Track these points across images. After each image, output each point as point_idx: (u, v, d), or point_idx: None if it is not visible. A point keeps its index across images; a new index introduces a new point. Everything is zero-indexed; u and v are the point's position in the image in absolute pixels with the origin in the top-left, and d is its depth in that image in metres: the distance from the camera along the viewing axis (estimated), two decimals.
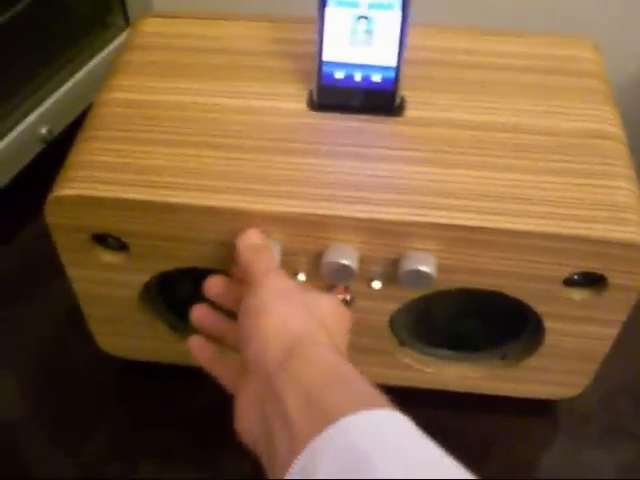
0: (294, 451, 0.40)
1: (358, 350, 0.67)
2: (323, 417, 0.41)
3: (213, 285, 0.57)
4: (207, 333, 0.58)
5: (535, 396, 0.73)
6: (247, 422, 0.48)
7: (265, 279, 0.52)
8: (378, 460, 0.38)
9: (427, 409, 0.73)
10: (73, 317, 0.70)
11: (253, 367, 0.48)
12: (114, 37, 1.00)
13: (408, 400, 0.72)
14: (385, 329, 0.66)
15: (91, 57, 0.98)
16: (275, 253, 0.57)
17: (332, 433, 0.40)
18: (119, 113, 0.63)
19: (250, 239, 0.56)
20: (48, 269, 0.67)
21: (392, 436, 0.40)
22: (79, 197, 0.57)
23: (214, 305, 0.58)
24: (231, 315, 0.56)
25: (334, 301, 0.54)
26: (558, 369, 0.68)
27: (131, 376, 0.77)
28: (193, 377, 0.72)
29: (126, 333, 0.71)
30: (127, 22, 1.01)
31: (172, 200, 0.56)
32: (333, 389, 0.43)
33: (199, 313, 0.58)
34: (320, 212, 0.56)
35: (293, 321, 0.49)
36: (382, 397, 0.44)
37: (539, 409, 0.75)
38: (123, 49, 0.70)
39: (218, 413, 0.74)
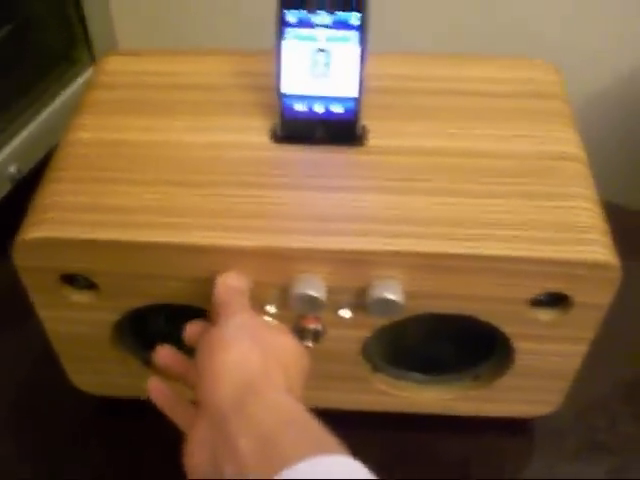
0: None
1: (332, 377, 0.68)
2: (276, 462, 0.41)
3: (191, 332, 0.57)
4: (170, 373, 0.58)
5: (509, 415, 0.73)
6: (197, 461, 0.47)
7: (231, 316, 0.53)
8: None
9: (403, 432, 0.74)
10: (49, 354, 0.70)
11: (205, 404, 0.48)
12: (80, 73, 1.01)
13: (384, 424, 0.73)
14: (357, 356, 0.66)
15: (58, 94, 0.99)
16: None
17: (285, 477, 0.40)
18: (84, 153, 0.63)
19: (230, 280, 0.57)
20: (22, 307, 0.66)
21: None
22: (46, 239, 0.57)
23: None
24: None
25: (293, 341, 0.54)
26: (530, 388, 0.69)
27: (108, 412, 0.77)
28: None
29: (99, 370, 0.71)
30: (92, 58, 1.02)
31: (139, 239, 0.57)
32: (286, 434, 0.44)
33: (163, 353, 0.57)
34: (286, 245, 0.56)
35: (251, 360, 0.49)
36: (335, 442, 0.44)
37: (515, 427, 0.75)
38: (87, 88, 0.71)
39: None
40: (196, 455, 0.48)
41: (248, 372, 0.48)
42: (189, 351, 0.56)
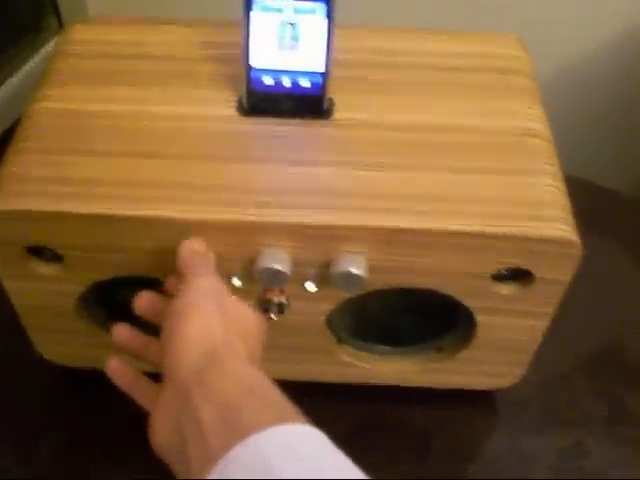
0: (206, 466, 0.41)
1: (297, 349, 0.69)
2: (236, 431, 0.41)
3: (142, 302, 0.58)
4: (129, 351, 0.58)
5: (471, 387, 0.75)
6: (162, 433, 0.48)
7: (195, 280, 0.53)
8: (288, 475, 0.38)
9: (367, 404, 0.75)
10: (17, 325, 0.70)
11: (169, 375, 0.49)
12: (48, 41, 1.00)
13: (349, 396, 0.74)
14: (322, 328, 0.67)
15: (25, 62, 0.98)
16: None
17: (244, 449, 0.40)
18: (49, 124, 0.63)
19: (194, 244, 0.57)
20: None
21: (303, 451, 0.41)
22: (11, 211, 0.57)
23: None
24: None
25: (251, 310, 0.54)
26: (492, 360, 0.70)
27: (77, 380, 0.77)
28: None
29: (66, 342, 0.71)
30: (61, 26, 1.01)
31: (104, 211, 0.57)
32: (247, 403, 0.44)
33: (120, 332, 0.58)
34: (251, 219, 0.57)
35: (212, 329, 0.50)
36: (296, 411, 0.45)
37: (477, 399, 0.77)
38: (53, 57, 0.70)
39: None
40: (161, 426, 0.48)
41: (210, 342, 0.49)
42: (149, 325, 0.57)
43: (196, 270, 0.55)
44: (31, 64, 0.98)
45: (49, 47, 0.99)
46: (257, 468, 0.39)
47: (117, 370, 0.56)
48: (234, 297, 0.55)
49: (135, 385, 0.55)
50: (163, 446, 0.48)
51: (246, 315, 0.53)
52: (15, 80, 0.95)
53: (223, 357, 0.48)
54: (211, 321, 0.50)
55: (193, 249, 0.57)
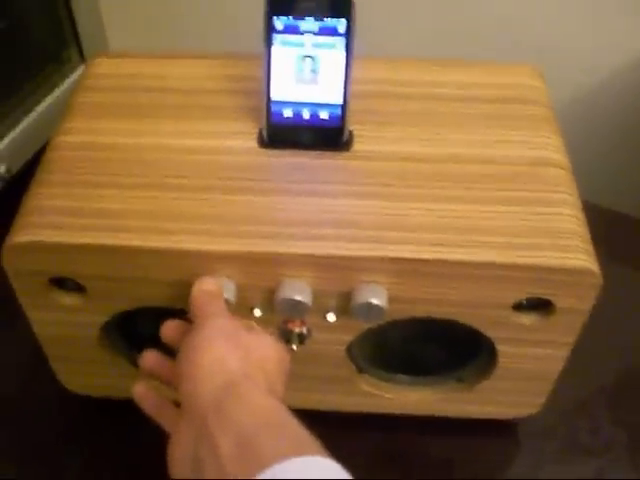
0: None
1: (317, 379, 0.69)
2: (254, 462, 0.42)
3: (168, 329, 0.58)
4: (156, 377, 0.58)
5: (492, 417, 0.74)
6: (180, 464, 0.48)
7: (210, 319, 0.54)
8: None
9: (388, 433, 0.75)
10: (38, 354, 0.70)
11: (187, 405, 0.49)
12: (70, 73, 1.01)
13: (368, 425, 0.74)
14: (343, 358, 0.67)
15: (47, 94, 0.99)
16: (230, 290, 0.58)
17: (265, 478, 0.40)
18: (73, 157, 0.64)
19: (205, 285, 0.57)
20: (12, 308, 0.67)
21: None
22: (35, 243, 0.58)
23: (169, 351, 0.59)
24: None
25: (272, 342, 0.55)
26: (513, 390, 0.70)
27: (97, 411, 0.77)
28: None
29: (89, 372, 0.72)
30: (82, 59, 1.02)
31: (128, 243, 0.57)
32: (266, 434, 0.44)
33: (149, 357, 0.58)
34: (272, 250, 0.57)
35: (230, 360, 0.50)
36: (315, 442, 0.45)
37: (500, 428, 0.76)
38: (76, 90, 0.71)
39: None
40: (178, 455, 0.48)
41: (227, 373, 0.49)
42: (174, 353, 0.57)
43: (207, 312, 0.55)
44: (53, 96, 0.99)
45: (71, 79, 1.01)
46: None
47: (143, 395, 0.57)
48: (253, 329, 0.55)
49: (161, 410, 0.56)
50: (181, 475, 0.48)
51: (265, 345, 0.54)
52: (38, 111, 0.96)
53: (240, 388, 0.48)
54: (227, 352, 0.51)
55: (206, 290, 0.57)
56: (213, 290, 0.57)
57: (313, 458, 0.43)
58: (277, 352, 0.54)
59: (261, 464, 0.41)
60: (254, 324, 0.59)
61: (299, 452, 0.42)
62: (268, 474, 0.41)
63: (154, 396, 0.57)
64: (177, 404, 0.53)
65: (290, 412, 0.47)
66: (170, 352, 0.58)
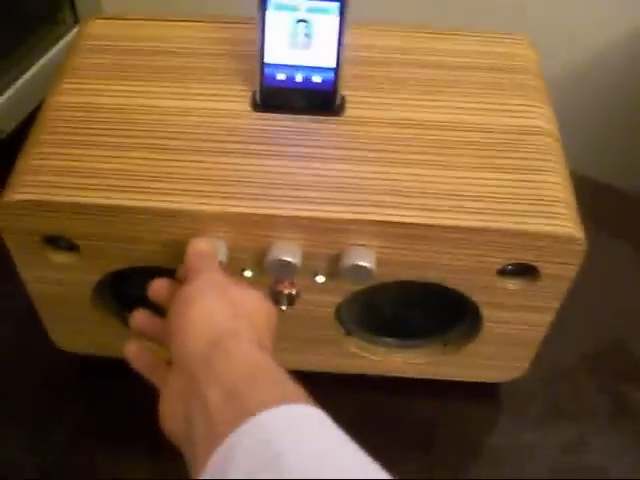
0: (211, 448, 0.42)
1: (306, 340, 0.70)
2: (241, 412, 0.42)
3: (157, 288, 0.59)
4: (147, 336, 0.59)
5: (476, 380, 0.76)
6: (170, 417, 0.49)
7: (202, 273, 0.54)
8: (289, 460, 0.39)
9: (372, 394, 0.77)
10: (32, 313, 0.71)
11: (176, 358, 0.50)
12: (63, 35, 1.01)
13: (356, 386, 0.75)
14: (331, 320, 0.68)
15: (41, 55, 0.99)
16: (222, 251, 0.59)
17: (247, 429, 0.41)
18: (67, 117, 0.64)
19: (199, 244, 0.58)
20: (4, 266, 0.67)
21: (305, 432, 0.42)
22: (29, 202, 0.58)
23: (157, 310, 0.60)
24: None
25: (261, 298, 0.55)
26: (497, 354, 0.71)
27: (89, 370, 0.79)
28: None
29: (81, 330, 0.73)
30: (76, 20, 1.02)
31: (121, 203, 0.58)
32: (253, 385, 0.45)
33: (139, 317, 0.59)
34: (263, 212, 0.58)
35: (219, 314, 0.51)
36: (302, 393, 0.45)
37: (482, 392, 0.78)
38: (70, 51, 0.72)
39: None
40: (168, 409, 0.49)
41: (216, 326, 0.50)
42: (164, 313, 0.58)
43: (199, 268, 0.56)
44: (46, 58, 0.99)
45: (64, 41, 1.01)
46: (260, 450, 0.40)
47: (136, 354, 0.58)
48: (244, 284, 0.56)
49: (154, 369, 0.56)
50: (172, 429, 0.49)
51: (255, 300, 0.54)
52: (31, 72, 0.96)
53: (229, 341, 0.49)
54: (216, 307, 0.51)
55: (199, 249, 0.58)
56: (207, 249, 0.58)
57: (297, 406, 0.43)
58: (265, 307, 0.55)
59: (248, 413, 0.42)
60: (243, 281, 0.60)
61: (285, 400, 0.43)
62: (253, 422, 0.41)
63: (146, 355, 0.57)
64: (169, 363, 0.54)
65: (278, 365, 0.48)
66: (160, 312, 0.59)
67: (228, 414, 0.43)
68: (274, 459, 0.39)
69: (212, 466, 0.41)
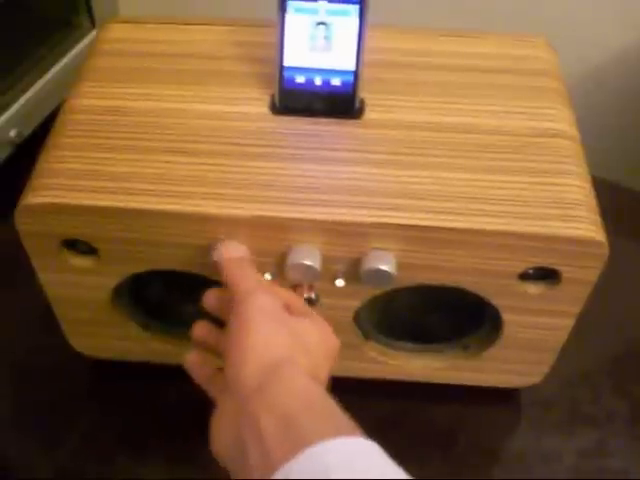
0: (266, 474, 0.42)
1: None
2: (297, 442, 0.42)
3: (210, 299, 0.58)
4: (207, 347, 0.59)
5: (497, 385, 0.75)
6: (222, 439, 0.49)
7: (251, 296, 0.53)
8: None
9: (392, 399, 0.76)
10: (50, 316, 0.71)
11: (230, 382, 0.50)
12: (81, 38, 1.01)
13: (374, 391, 0.75)
14: (350, 324, 0.68)
15: (58, 59, 0.99)
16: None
17: (304, 458, 0.41)
18: (86, 120, 0.64)
19: (231, 252, 0.58)
20: (23, 270, 0.67)
21: (361, 464, 0.42)
22: (49, 205, 0.58)
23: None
24: None
25: (323, 330, 0.55)
26: (518, 359, 0.71)
27: (106, 374, 0.79)
28: (165, 375, 0.74)
29: (98, 334, 0.73)
30: (93, 24, 1.02)
31: (140, 206, 0.58)
32: (308, 415, 0.45)
33: (199, 328, 0.59)
34: (283, 215, 0.58)
35: (275, 343, 0.50)
36: (355, 426, 0.45)
37: (502, 397, 0.77)
38: (89, 55, 0.72)
39: (190, 409, 0.77)
40: (222, 435, 0.49)
41: (273, 354, 0.49)
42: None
43: (246, 285, 0.55)
44: (63, 62, 0.99)
45: (81, 45, 1.01)
46: (316, 478, 0.40)
47: (195, 364, 0.57)
48: (306, 312, 0.56)
49: (211, 380, 0.56)
50: (222, 452, 0.49)
51: (315, 333, 0.54)
52: (49, 76, 0.96)
53: (284, 370, 0.49)
54: (272, 335, 0.51)
55: (234, 258, 0.57)
56: (241, 257, 0.58)
57: (354, 439, 0.43)
58: (326, 339, 0.55)
59: (303, 444, 0.42)
60: (308, 309, 0.59)
61: (340, 433, 0.43)
62: (311, 453, 0.41)
63: (205, 366, 0.57)
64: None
65: (332, 398, 0.48)
66: (216, 320, 0.59)
67: (283, 443, 0.43)
68: None
69: None
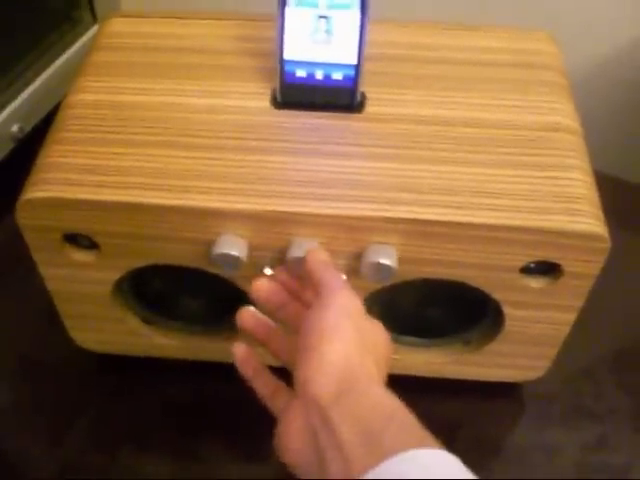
0: None
1: None
2: (378, 452, 0.42)
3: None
4: (252, 336, 0.58)
5: (498, 379, 0.75)
6: (294, 446, 0.48)
7: (335, 296, 0.53)
8: None
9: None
10: (52, 311, 0.71)
11: (304, 389, 0.49)
12: (82, 33, 1.01)
13: None
14: None
15: (60, 54, 0.99)
16: (242, 249, 0.59)
17: (389, 467, 0.41)
18: (87, 114, 0.64)
19: (319, 255, 0.57)
20: (26, 264, 0.67)
21: (445, 475, 0.42)
22: (50, 199, 0.58)
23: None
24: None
25: (384, 331, 0.55)
26: (519, 353, 0.71)
27: (108, 367, 0.79)
28: (167, 369, 0.75)
29: (100, 328, 0.73)
30: (95, 19, 1.02)
31: (142, 200, 0.58)
32: (389, 426, 0.45)
33: (246, 316, 0.58)
34: (284, 209, 0.58)
35: (351, 351, 0.50)
36: (432, 437, 0.45)
37: (504, 391, 0.77)
38: (90, 50, 0.72)
39: (194, 403, 0.77)
40: (295, 441, 0.49)
41: (348, 364, 0.49)
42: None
43: (332, 285, 0.54)
44: (65, 57, 0.99)
45: (83, 40, 1.01)
46: None
47: (243, 356, 0.57)
48: (367, 316, 0.55)
49: (258, 375, 0.56)
50: (293, 458, 0.49)
51: (379, 336, 0.54)
52: (50, 71, 0.96)
53: (362, 381, 0.49)
54: (350, 344, 0.50)
55: (321, 260, 0.57)
56: (328, 260, 0.57)
57: (436, 451, 0.43)
58: (386, 342, 0.55)
59: (386, 453, 0.42)
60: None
61: (422, 445, 0.43)
62: (395, 460, 0.42)
63: (253, 359, 0.57)
64: (272, 369, 0.55)
65: (406, 407, 0.48)
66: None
67: (365, 453, 0.43)
68: None
69: None
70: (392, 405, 0.48)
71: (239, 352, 0.57)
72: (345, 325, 0.51)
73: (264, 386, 0.56)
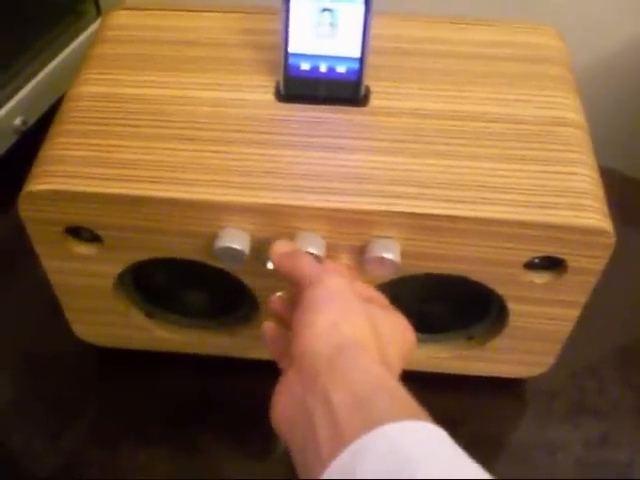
0: (337, 447, 0.41)
1: None
2: (371, 420, 0.42)
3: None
4: (280, 318, 0.58)
5: (501, 375, 0.75)
6: (285, 412, 0.48)
7: (319, 280, 0.52)
8: (420, 465, 0.39)
9: None
10: (54, 304, 0.71)
11: (298, 360, 0.49)
12: (86, 26, 1.01)
13: None
14: None
15: (64, 47, 0.99)
16: (245, 242, 0.59)
17: (379, 434, 0.41)
18: (91, 107, 0.64)
19: (281, 248, 0.57)
20: (28, 257, 0.67)
21: (435, 446, 0.42)
22: (52, 192, 0.58)
23: None
24: None
25: (398, 322, 0.55)
26: (523, 349, 0.70)
27: (110, 361, 0.78)
28: (169, 362, 0.75)
29: (102, 322, 0.73)
30: (99, 11, 1.02)
31: (144, 193, 0.58)
32: (379, 396, 0.45)
33: (275, 300, 0.59)
34: (287, 203, 0.57)
35: (346, 324, 0.50)
36: (425, 412, 0.45)
37: (507, 387, 0.77)
38: (94, 42, 0.71)
39: (194, 397, 0.77)
40: (285, 408, 0.48)
41: (343, 335, 0.49)
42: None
43: (306, 270, 0.54)
44: (69, 49, 0.99)
45: (87, 33, 1.00)
46: (391, 458, 0.40)
47: (271, 334, 0.57)
48: (386, 305, 0.55)
49: (284, 353, 0.55)
50: (283, 425, 0.48)
51: (391, 324, 0.54)
52: (54, 64, 0.96)
53: (354, 350, 0.48)
54: (344, 316, 0.50)
55: (284, 254, 0.57)
56: (292, 250, 0.57)
57: (427, 424, 0.43)
58: (398, 330, 0.55)
59: (376, 422, 0.41)
60: (388, 303, 0.59)
61: (413, 417, 0.43)
62: (385, 430, 0.41)
63: (280, 338, 0.57)
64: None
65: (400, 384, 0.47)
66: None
67: (356, 419, 0.43)
68: (405, 465, 0.39)
69: (337, 465, 0.41)
70: (385, 378, 0.47)
71: (268, 328, 0.57)
72: (333, 301, 0.51)
73: (289, 366, 0.55)
